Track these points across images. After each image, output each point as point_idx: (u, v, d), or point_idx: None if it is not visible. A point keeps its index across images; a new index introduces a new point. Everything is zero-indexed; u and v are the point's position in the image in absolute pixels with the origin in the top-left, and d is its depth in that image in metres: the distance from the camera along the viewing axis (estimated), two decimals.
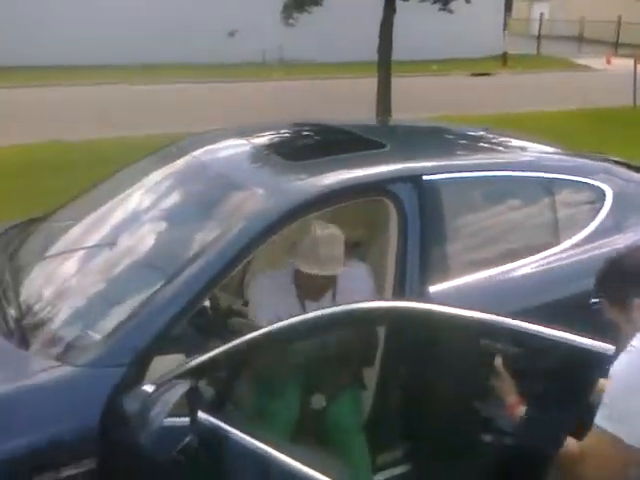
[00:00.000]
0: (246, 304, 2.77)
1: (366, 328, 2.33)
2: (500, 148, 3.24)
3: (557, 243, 2.83)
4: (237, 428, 1.68)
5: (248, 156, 2.87)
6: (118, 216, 2.73)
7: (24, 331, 2.19)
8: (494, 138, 3.43)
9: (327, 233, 2.49)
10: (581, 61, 24.01)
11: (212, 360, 1.76)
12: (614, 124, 10.88)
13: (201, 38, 20.56)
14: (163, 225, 2.59)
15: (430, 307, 2.04)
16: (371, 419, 2.53)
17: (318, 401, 2.50)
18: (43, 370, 1.96)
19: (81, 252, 2.55)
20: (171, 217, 2.61)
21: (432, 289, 2.48)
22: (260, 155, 2.85)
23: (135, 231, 2.60)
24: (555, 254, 2.80)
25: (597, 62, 23.62)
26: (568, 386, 1.84)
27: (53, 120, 10.46)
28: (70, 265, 2.54)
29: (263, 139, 3.08)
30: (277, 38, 21.20)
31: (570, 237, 2.86)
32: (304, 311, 2.53)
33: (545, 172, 2.92)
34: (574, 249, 2.84)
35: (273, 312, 2.52)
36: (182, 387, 1.59)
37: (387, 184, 2.53)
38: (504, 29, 25.76)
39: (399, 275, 2.47)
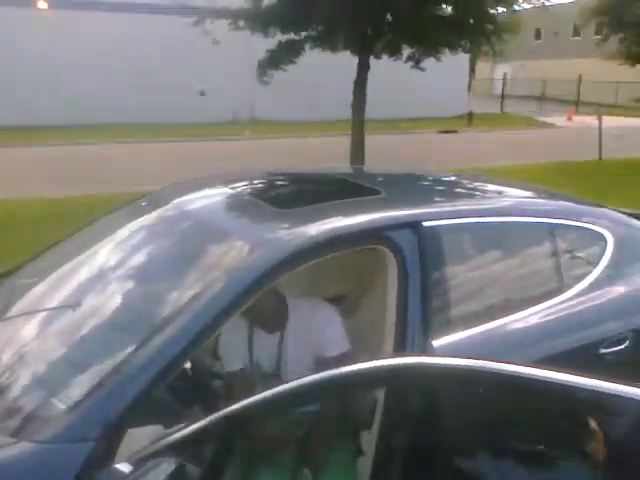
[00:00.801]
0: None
1: (370, 390, 2.07)
2: (496, 194, 3.09)
3: (561, 291, 2.67)
4: None
5: (233, 204, 2.65)
6: (87, 273, 2.46)
7: None
8: (487, 184, 3.28)
9: None
10: (544, 119, 24.69)
11: (196, 434, 1.48)
12: (585, 176, 11.00)
13: (173, 98, 20.72)
14: (138, 281, 2.32)
15: (442, 361, 1.79)
16: None
17: (305, 478, 2.23)
18: None
19: (45, 313, 2.27)
20: (147, 272, 2.36)
21: (435, 343, 2.26)
22: (246, 203, 2.64)
23: (106, 289, 2.33)
24: (560, 303, 2.64)
25: (559, 119, 24.33)
26: None
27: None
28: (32, 327, 2.26)
29: (248, 187, 2.88)
30: (248, 97, 21.48)
31: (574, 285, 2.71)
32: (254, 345, 2.44)
33: (546, 217, 2.77)
34: (579, 297, 2.69)
35: (240, 358, 2.43)
36: (167, 467, 1.32)
37: (385, 231, 2.33)
38: (469, 90, 26.51)
39: (400, 328, 2.25)
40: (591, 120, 23.07)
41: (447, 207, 2.64)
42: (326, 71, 20.11)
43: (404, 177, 3.49)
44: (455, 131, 20.55)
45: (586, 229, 2.87)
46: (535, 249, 2.73)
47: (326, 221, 2.33)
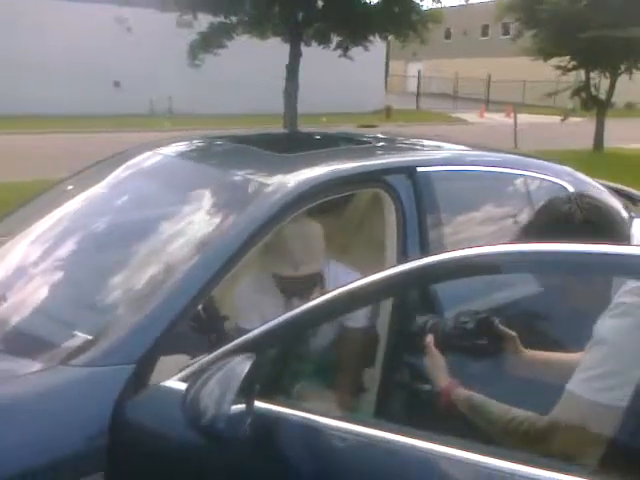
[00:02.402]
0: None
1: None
2: (470, 148, 3.22)
3: None
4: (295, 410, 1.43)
5: (236, 152, 2.67)
6: (111, 208, 2.43)
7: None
8: (453, 143, 3.41)
9: (299, 230, 2.34)
10: (457, 115, 25.60)
11: (262, 336, 1.50)
12: None
13: (85, 89, 20.07)
14: (159, 218, 2.28)
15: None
16: None
17: None
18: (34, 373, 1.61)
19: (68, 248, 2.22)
20: (165, 211, 2.33)
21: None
22: (250, 150, 2.66)
23: (128, 227, 2.33)
24: None
25: (471, 116, 25.32)
26: None
27: None
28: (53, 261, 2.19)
29: (243, 140, 2.89)
30: (166, 89, 21.08)
31: None
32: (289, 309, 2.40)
33: (523, 169, 2.93)
34: None
35: (259, 315, 2.38)
36: (244, 363, 1.33)
37: (384, 175, 2.41)
38: (385, 86, 27.12)
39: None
40: (500, 117, 24.15)
41: (437, 155, 2.75)
42: (250, 65, 20.06)
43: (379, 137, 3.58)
44: (375, 125, 20.95)
45: (553, 182, 3.05)
46: (515, 198, 2.88)
47: (328, 164, 2.38)
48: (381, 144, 2.91)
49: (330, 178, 2.27)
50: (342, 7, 9.01)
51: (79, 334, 1.79)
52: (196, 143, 2.82)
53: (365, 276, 2.52)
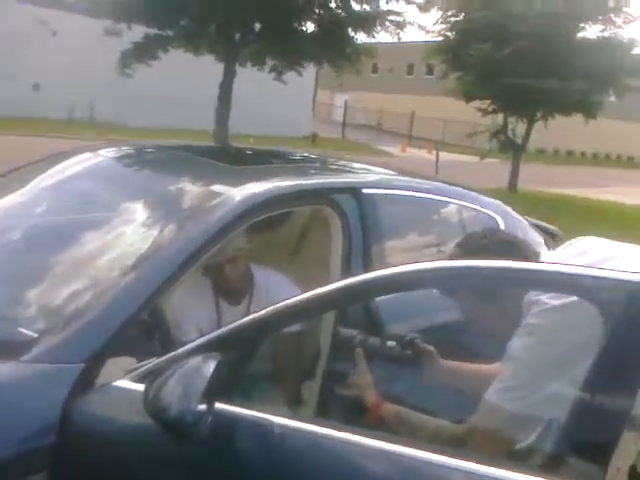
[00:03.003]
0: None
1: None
2: (409, 174, 3.35)
3: None
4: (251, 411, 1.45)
5: (181, 161, 2.65)
6: (59, 208, 2.39)
7: None
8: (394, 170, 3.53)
9: None
10: (381, 147, 26.28)
11: (228, 337, 1.51)
12: None
13: (5, 89, 19.33)
14: (107, 221, 2.25)
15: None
16: None
17: None
18: None
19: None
20: (110, 217, 2.28)
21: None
22: (197, 160, 2.65)
23: (73, 229, 2.26)
24: None
25: (395, 149, 26.04)
26: None
27: None
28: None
29: (189, 149, 2.88)
30: (88, 97, 20.59)
31: None
32: (221, 317, 2.50)
33: (457, 198, 3.07)
34: None
35: (194, 324, 2.44)
36: (208, 363, 1.33)
37: (332, 193, 2.47)
38: (313, 114, 27.53)
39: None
40: (421, 153, 24.97)
41: (381, 178, 2.86)
42: (181, 80, 19.88)
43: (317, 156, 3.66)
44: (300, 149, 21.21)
45: (483, 212, 3.22)
46: (449, 224, 3.02)
47: (275, 179, 2.42)
48: (318, 164, 3.00)
49: (278, 193, 2.31)
50: (279, 31, 9.14)
51: (24, 331, 1.73)
52: (135, 150, 2.80)
53: (304, 290, 2.59)
